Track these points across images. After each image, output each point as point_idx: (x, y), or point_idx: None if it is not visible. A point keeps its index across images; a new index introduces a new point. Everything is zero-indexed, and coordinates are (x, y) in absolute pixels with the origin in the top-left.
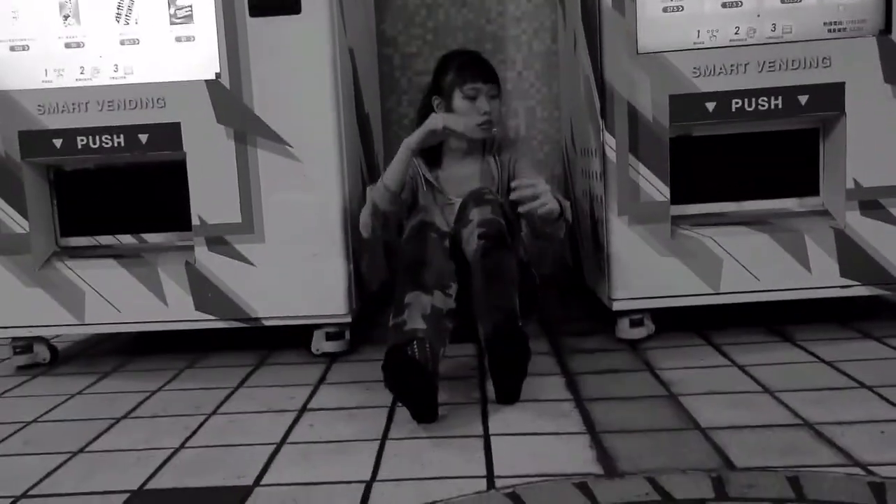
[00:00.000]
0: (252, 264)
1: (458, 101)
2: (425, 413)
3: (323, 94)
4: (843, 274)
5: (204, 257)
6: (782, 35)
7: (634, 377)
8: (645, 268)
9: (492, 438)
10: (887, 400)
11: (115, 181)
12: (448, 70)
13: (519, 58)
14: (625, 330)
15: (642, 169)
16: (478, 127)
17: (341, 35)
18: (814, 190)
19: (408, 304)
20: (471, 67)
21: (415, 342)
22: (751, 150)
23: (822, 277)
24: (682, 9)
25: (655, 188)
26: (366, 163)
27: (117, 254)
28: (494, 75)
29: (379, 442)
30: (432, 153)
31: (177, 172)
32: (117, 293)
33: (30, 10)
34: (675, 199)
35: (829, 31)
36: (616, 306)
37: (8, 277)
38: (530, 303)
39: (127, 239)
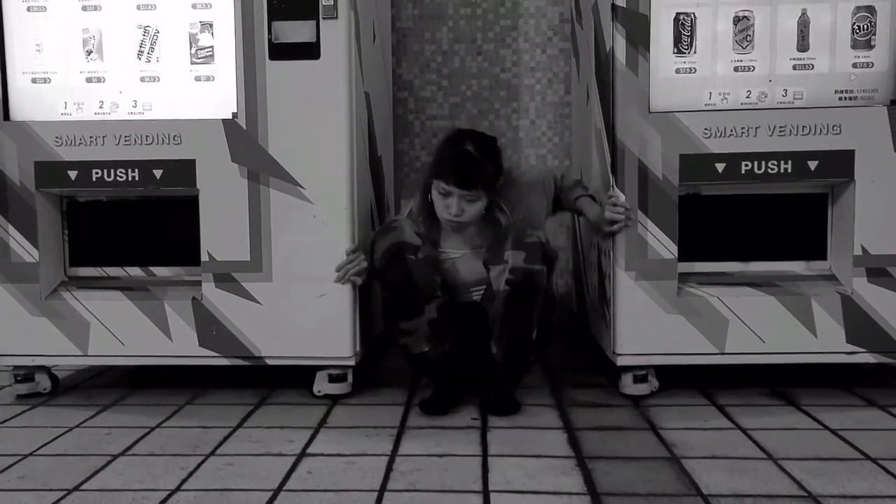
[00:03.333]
0: (258, 303)
1: (435, 192)
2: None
3: (337, 138)
4: (850, 340)
5: (211, 294)
6: (793, 101)
7: (637, 436)
8: (650, 324)
9: (491, 495)
10: (892, 475)
11: (127, 213)
12: (437, 156)
13: (532, 106)
14: (628, 385)
15: (651, 226)
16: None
17: (358, 80)
18: (821, 254)
19: (406, 332)
20: (451, 168)
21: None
22: (759, 211)
23: (829, 342)
24: (695, 70)
25: (664, 245)
26: (376, 205)
27: (124, 286)
28: (474, 181)
29: (377, 494)
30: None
31: (188, 207)
32: (122, 326)
33: (54, 44)
34: (683, 256)
35: (840, 98)
36: (620, 361)
37: (15, 306)
38: (547, 327)
39: (135, 271)
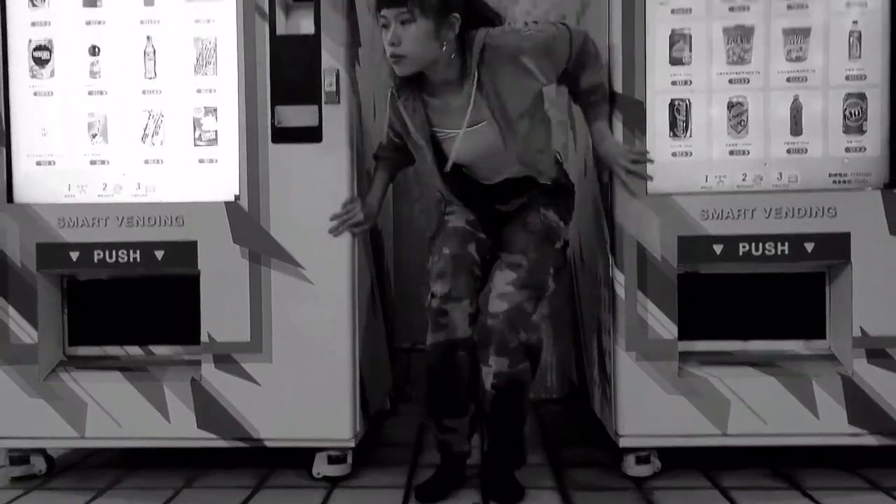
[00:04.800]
0: (258, 384)
1: (383, 37)
2: None
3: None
4: (852, 421)
5: (210, 375)
6: (788, 184)
7: None
8: (652, 405)
9: None
10: None
11: (127, 291)
12: None
13: None
14: (631, 466)
15: (650, 306)
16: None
17: (360, 160)
18: (820, 333)
19: (450, 429)
20: None
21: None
22: (757, 289)
23: (831, 424)
24: (691, 154)
25: (663, 326)
26: (377, 279)
27: (123, 366)
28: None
29: None
30: (419, 82)
31: (189, 285)
32: (120, 407)
33: (59, 128)
34: (683, 334)
35: (834, 181)
36: (623, 443)
37: (13, 388)
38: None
39: (134, 350)
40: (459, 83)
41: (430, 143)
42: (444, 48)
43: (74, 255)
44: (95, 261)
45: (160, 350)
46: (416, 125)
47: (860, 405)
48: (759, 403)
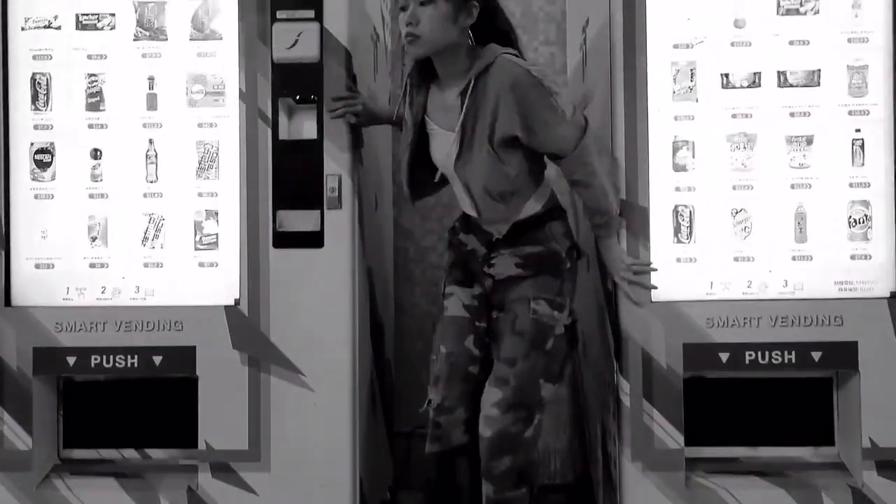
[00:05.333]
0: (255, 494)
1: (400, 23)
2: None
3: (340, 325)
4: None
5: (207, 484)
6: (794, 291)
7: None
8: None
9: None
10: None
11: (124, 394)
12: None
13: None
14: None
15: (656, 415)
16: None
17: (361, 262)
18: (829, 439)
19: None
20: None
21: None
22: (765, 395)
23: None
24: (695, 260)
25: (669, 435)
26: (377, 375)
27: (118, 472)
28: None
29: None
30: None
31: (187, 389)
32: None
33: (58, 231)
34: (690, 440)
35: (840, 289)
36: None
37: (6, 497)
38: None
39: (130, 453)
40: (459, 82)
41: (416, 127)
42: (460, 35)
43: (71, 360)
44: (92, 365)
45: (156, 454)
46: (414, 108)
47: None
48: None
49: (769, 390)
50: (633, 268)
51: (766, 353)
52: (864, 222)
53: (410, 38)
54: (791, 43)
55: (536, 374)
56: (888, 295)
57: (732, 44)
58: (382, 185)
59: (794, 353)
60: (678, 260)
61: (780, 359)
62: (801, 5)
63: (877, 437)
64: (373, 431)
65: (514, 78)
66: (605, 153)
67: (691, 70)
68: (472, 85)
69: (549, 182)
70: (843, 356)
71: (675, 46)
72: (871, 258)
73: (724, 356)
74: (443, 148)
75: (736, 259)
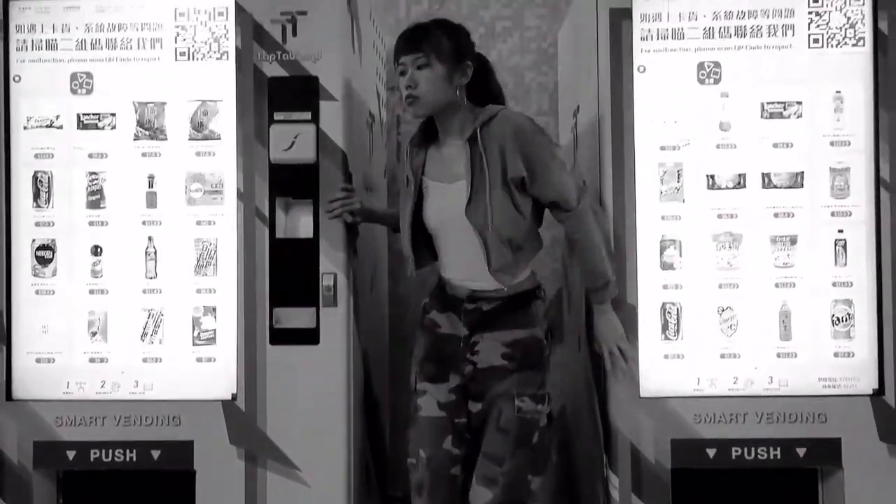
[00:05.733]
0: None
1: (400, 85)
2: None
3: (335, 422)
4: None
5: None
6: (779, 388)
7: None
8: None
9: None
10: None
11: (123, 485)
12: None
13: None
14: None
15: None
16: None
17: (356, 355)
18: None
19: None
20: (398, 42)
21: None
22: (752, 486)
23: None
24: (683, 356)
25: None
26: (374, 461)
27: None
28: (418, 41)
29: None
30: (433, 133)
31: (185, 483)
32: None
33: (59, 326)
34: None
35: (824, 386)
36: None
37: None
38: None
39: None
40: (460, 136)
41: (416, 190)
42: (458, 93)
43: (71, 454)
44: (92, 459)
45: None
46: (413, 168)
47: None
48: None
49: (757, 481)
50: (623, 344)
51: (752, 448)
52: (847, 321)
53: (410, 100)
54: (775, 145)
55: (525, 471)
56: (871, 392)
57: (718, 146)
58: (379, 260)
59: (779, 449)
60: (666, 356)
61: (765, 455)
62: (785, 109)
63: None
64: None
65: (517, 124)
66: (601, 216)
67: (678, 171)
68: (478, 132)
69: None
70: (827, 453)
71: (663, 148)
72: (853, 356)
73: (711, 452)
74: (439, 201)
75: (722, 356)
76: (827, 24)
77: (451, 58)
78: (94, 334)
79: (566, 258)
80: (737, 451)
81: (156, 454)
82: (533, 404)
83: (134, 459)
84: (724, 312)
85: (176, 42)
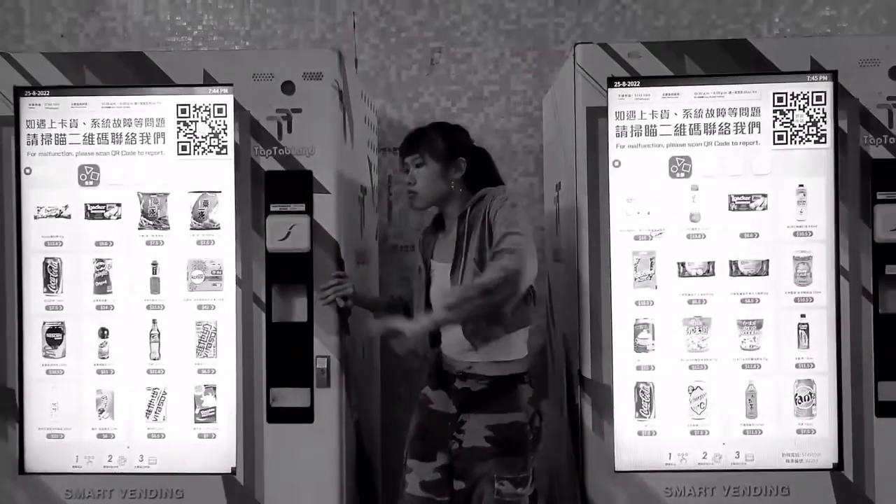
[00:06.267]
0: None
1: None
2: None
3: (329, 493)
4: None
5: None
6: (745, 462)
7: None
8: None
9: None
10: None
11: None
12: None
13: None
14: None
15: None
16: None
17: (349, 426)
18: None
19: None
20: (402, 144)
21: None
22: None
23: None
24: (655, 433)
25: None
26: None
27: None
28: (415, 144)
29: None
30: (440, 219)
31: None
32: None
33: (68, 403)
34: None
35: (788, 460)
36: None
37: None
38: None
39: None
40: (453, 219)
41: (426, 274)
42: (453, 186)
43: None
44: None
45: None
46: (424, 255)
47: None
48: None
49: None
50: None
51: None
52: (809, 399)
53: (411, 195)
54: (742, 236)
55: None
56: (831, 466)
57: (689, 235)
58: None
59: None
60: (639, 433)
61: None
62: (752, 201)
63: None
64: None
65: (495, 197)
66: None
67: (651, 259)
68: (468, 211)
69: (526, 340)
70: None
71: (637, 237)
72: (815, 432)
73: None
74: (440, 279)
75: (692, 432)
76: (791, 122)
77: (444, 156)
78: (101, 411)
79: (550, 315)
80: None
81: None
82: (513, 488)
83: None
84: (693, 391)
85: (178, 137)
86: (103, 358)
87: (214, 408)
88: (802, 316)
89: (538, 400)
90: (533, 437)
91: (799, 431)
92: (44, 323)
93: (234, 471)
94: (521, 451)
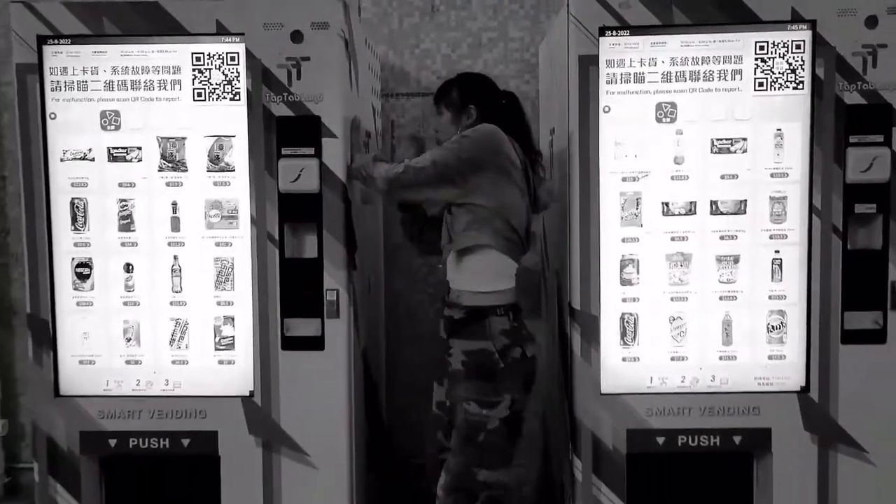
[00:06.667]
0: None
1: None
2: None
3: (338, 415)
4: None
5: None
6: (720, 385)
7: None
8: None
9: None
10: None
11: (157, 467)
12: None
13: None
14: None
15: (604, 488)
16: None
17: (356, 353)
18: (749, 503)
19: None
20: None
21: None
22: (697, 466)
23: None
24: (639, 360)
25: None
26: (372, 423)
27: None
28: (437, 96)
29: None
30: None
31: (211, 465)
32: None
33: (98, 333)
34: (633, 503)
35: (759, 384)
36: None
37: None
38: None
39: None
40: None
41: None
42: (462, 130)
43: (112, 442)
44: (130, 447)
45: None
46: None
47: None
48: None
49: (700, 464)
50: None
51: (696, 437)
52: (780, 328)
53: (437, 139)
54: (722, 177)
55: (471, 464)
56: (798, 389)
57: (672, 177)
58: (377, 266)
59: (718, 437)
60: (624, 359)
61: (707, 442)
62: (732, 145)
63: None
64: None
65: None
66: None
67: (637, 199)
68: None
69: (510, 276)
70: (759, 441)
71: (624, 179)
72: (785, 358)
73: (660, 440)
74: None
75: (672, 358)
76: (771, 69)
77: (456, 105)
78: (128, 340)
79: (545, 253)
80: (683, 439)
81: (185, 442)
82: (478, 408)
83: (167, 446)
84: (674, 321)
85: (193, 84)
86: (129, 291)
87: (233, 336)
88: (776, 252)
89: (519, 333)
90: (507, 367)
91: (770, 357)
92: (73, 259)
93: (251, 393)
94: (490, 376)
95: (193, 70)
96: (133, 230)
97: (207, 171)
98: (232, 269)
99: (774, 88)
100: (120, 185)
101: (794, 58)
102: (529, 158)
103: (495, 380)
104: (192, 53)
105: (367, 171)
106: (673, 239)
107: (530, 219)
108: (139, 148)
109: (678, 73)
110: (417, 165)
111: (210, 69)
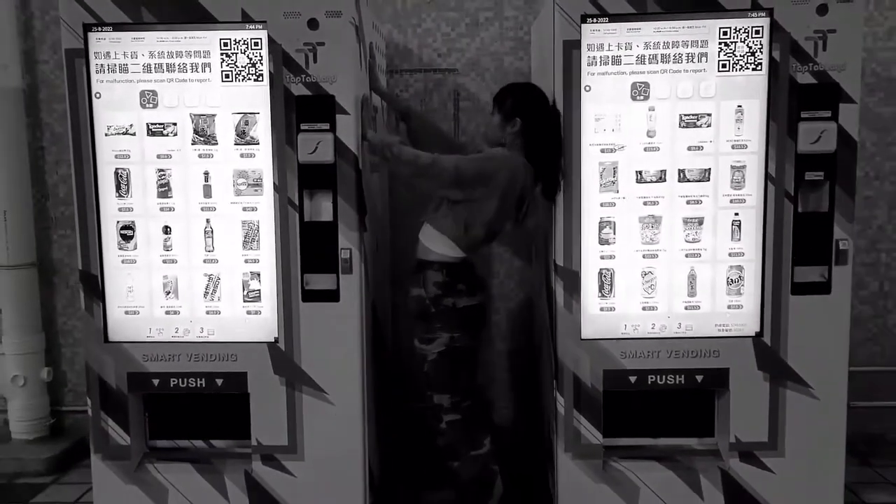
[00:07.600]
0: (294, 476)
1: None
2: None
3: (352, 358)
4: None
5: (259, 469)
6: (685, 332)
7: None
8: (584, 491)
9: None
10: None
11: (194, 403)
12: None
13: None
14: None
15: (583, 420)
16: None
17: (367, 304)
18: (710, 432)
19: None
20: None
21: None
22: (665, 401)
23: None
24: (614, 309)
25: (592, 434)
26: (378, 358)
27: (192, 458)
28: (495, 98)
29: None
30: None
31: (242, 402)
32: (193, 492)
33: (141, 287)
34: (609, 432)
35: (719, 330)
36: None
37: (112, 478)
38: None
39: (199, 442)
40: None
41: None
42: (508, 139)
43: (156, 382)
44: (171, 386)
45: (218, 443)
46: None
47: (734, 492)
48: (660, 489)
49: (667, 400)
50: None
51: (664, 376)
52: (738, 282)
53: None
54: (689, 148)
55: (424, 390)
56: (753, 334)
57: (645, 149)
58: (384, 227)
59: (683, 376)
60: (601, 309)
61: (673, 381)
62: (698, 120)
63: (740, 434)
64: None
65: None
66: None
67: (614, 168)
68: None
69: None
70: (719, 379)
71: (603, 150)
72: (742, 307)
73: (633, 378)
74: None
75: (644, 308)
76: (733, 52)
77: (507, 113)
78: (168, 293)
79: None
80: (652, 378)
81: (219, 382)
82: (420, 344)
83: (203, 385)
84: (646, 276)
85: (221, 66)
86: (167, 250)
87: (259, 290)
88: (736, 214)
89: (451, 287)
90: (438, 312)
91: (729, 307)
92: (118, 222)
93: (276, 340)
94: (424, 318)
95: (221, 54)
96: (170, 196)
97: (235, 144)
98: (258, 230)
99: (736, 69)
100: (158, 156)
101: (753, 42)
102: (546, 180)
103: (429, 321)
104: (220, 39)
105: (394, 152)
106: (645, 203)
107: (502, 228)
108: (174, 124)
109: (651, 56)
110: (442, 165)
111: (236, 53)
